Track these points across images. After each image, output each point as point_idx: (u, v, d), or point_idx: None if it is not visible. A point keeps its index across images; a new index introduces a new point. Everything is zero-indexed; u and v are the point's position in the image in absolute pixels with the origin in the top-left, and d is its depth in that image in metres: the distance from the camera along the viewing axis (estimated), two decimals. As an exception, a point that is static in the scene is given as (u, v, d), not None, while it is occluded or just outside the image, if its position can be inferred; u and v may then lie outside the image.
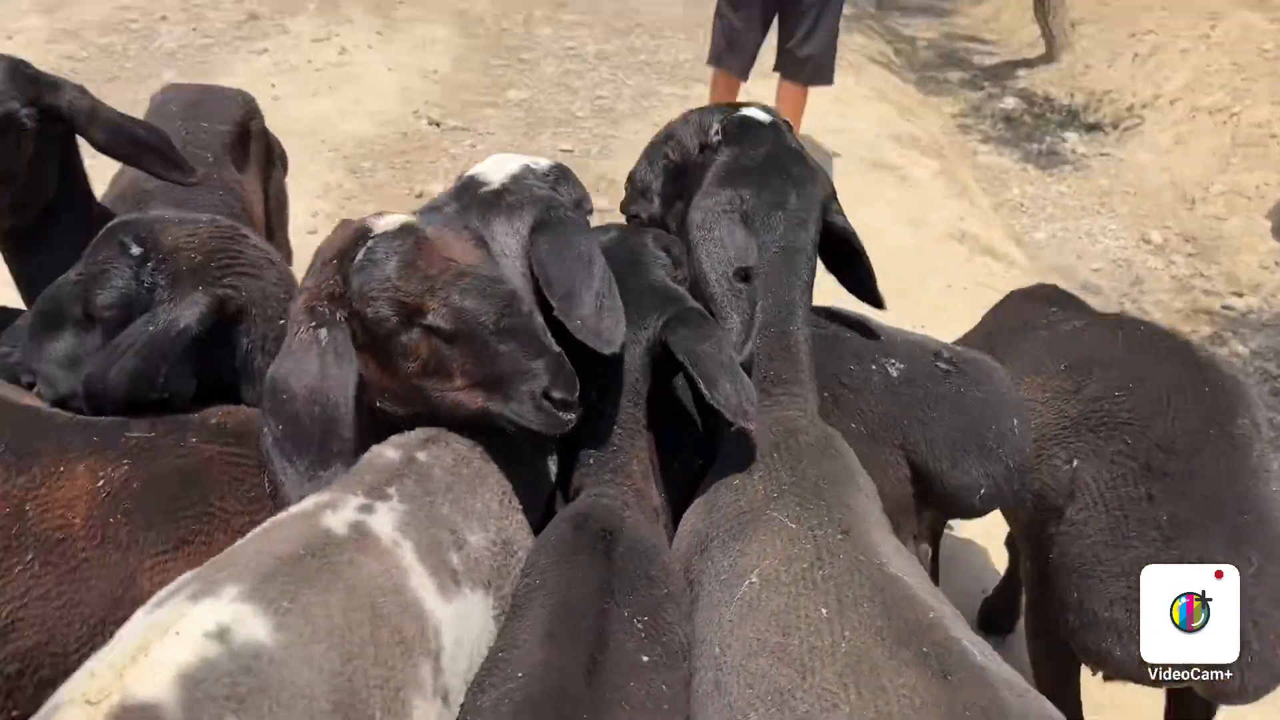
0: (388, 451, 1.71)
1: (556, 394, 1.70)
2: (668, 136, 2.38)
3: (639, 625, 1.58)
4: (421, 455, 1.72)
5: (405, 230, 1.71)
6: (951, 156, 8.00)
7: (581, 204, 2.08)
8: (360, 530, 1.53)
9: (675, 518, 2.00)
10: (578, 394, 1.73)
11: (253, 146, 3.24)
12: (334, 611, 1.39)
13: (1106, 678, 2.35)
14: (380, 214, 1.78)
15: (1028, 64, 10.32)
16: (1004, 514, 2.70)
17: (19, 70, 2.18)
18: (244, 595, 1.33)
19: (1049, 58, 10.07)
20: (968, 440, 2.22)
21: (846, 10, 10.45)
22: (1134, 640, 2.14)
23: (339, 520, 1.54)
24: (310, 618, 1.35)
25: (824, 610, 1.47)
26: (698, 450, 2.10)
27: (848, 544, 1.60)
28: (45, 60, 6.70)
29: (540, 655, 1.47)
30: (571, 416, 1.74)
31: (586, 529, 1.71)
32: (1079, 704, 2.56)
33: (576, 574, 1.62)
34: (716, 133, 2.22)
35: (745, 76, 5.96)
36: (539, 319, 1.77)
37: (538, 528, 1.83)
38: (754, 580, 1.59)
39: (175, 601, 1.34)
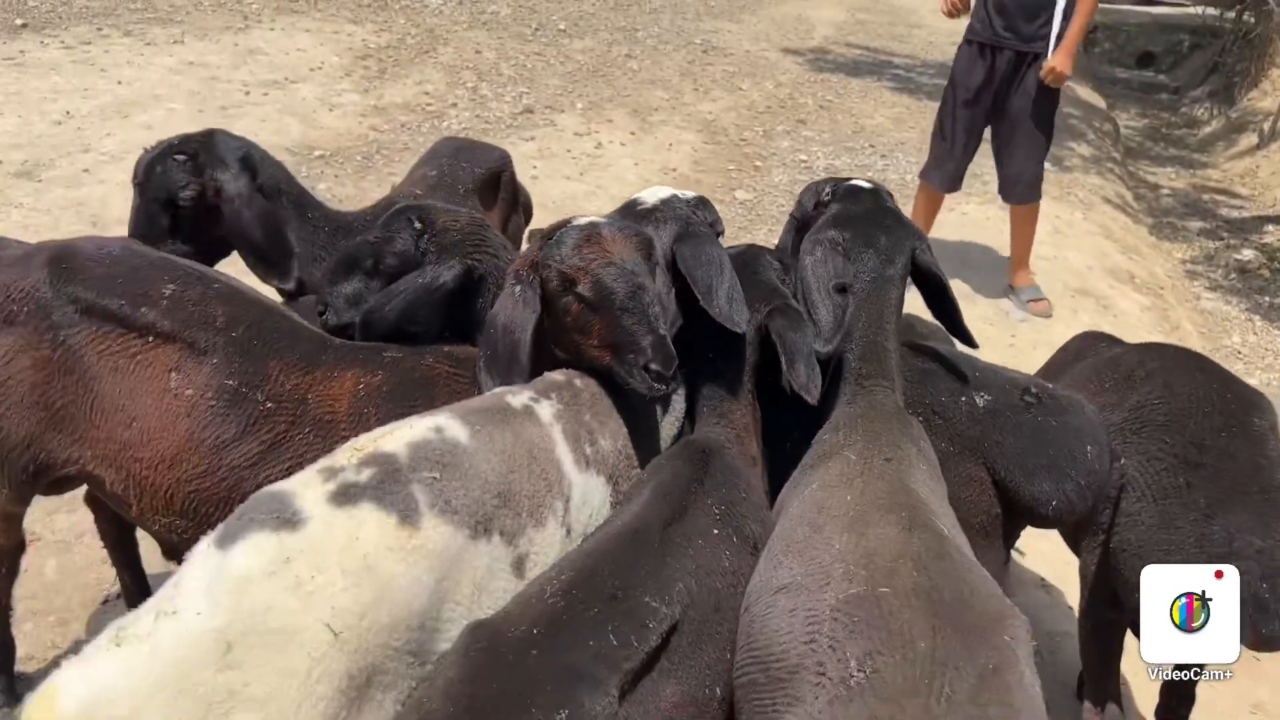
0: (556, 375, 2.35)
1: (653, 367, 2.17)
2: (795, 204, 2.95)
3: (716, 510, 2.06)
4: (578, 382, 2.33)
5: (589, 225, 2.29)
6: (1170, 298, 7.93)
7: (714, 225, 2.64)
8: (528, 410, 2.18)
9: (776, 488, 2.44)
10: (673, 371, 2.19)
11: (501, 192, 4.01)
12: (506, 442, 2.04)
13: None
14: (582, 215, 2.41)
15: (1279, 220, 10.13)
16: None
17: (193, 160, 2.97)
18: (452, 416, 2.03)
19: (1304, 216, 9.86)
20: (1039, 458, 2.61)
21: (1085, 151, 10.79)
22: None
23: (516, 401, 2.19)
24: (491, 439, 2.02)
25: (849, 497, 1.99)
26: (805, 437, 2.54)
27: (887, 466, 2.10)
28: (354, 129, 8.04)
29: (633, 510, 2.02)
30: (663, 386, 2.20)
31: (690, 448, 2.24)
32: (1118, 679, 2.98)
33: (674, 469, 2.14)
34: (828, 194, 2.77)
35: (948, 189, 6.42)
36: (656, 308, 2.23)
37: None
38: (814, 486, 2.11)
39: (408, 420, 2.02)
